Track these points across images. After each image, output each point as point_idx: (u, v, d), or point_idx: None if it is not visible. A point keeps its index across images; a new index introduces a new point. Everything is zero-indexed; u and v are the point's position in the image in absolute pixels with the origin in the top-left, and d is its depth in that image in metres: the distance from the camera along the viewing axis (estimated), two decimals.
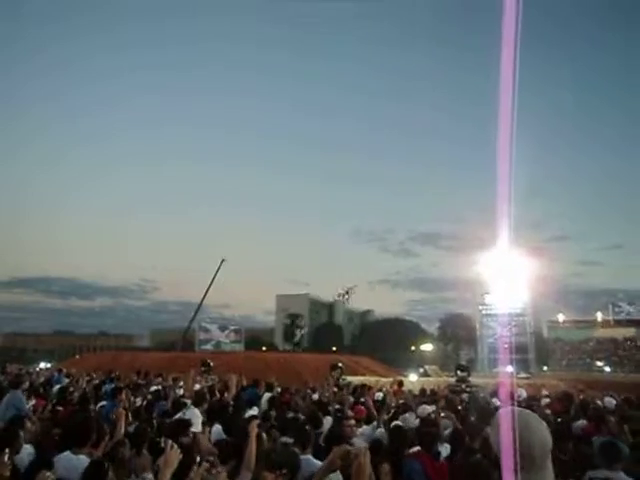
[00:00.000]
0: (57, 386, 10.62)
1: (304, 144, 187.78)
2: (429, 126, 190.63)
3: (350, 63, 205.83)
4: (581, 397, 10.55)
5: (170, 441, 2.82)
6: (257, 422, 3.70)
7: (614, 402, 8.45)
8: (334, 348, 65.56)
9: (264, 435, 4.30)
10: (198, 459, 2.79)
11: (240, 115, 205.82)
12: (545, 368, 61.90)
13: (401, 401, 8.57)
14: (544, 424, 1.89)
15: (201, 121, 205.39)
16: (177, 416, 5.32)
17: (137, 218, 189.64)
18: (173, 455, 2.66)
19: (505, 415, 1.88)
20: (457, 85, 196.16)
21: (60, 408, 6.88)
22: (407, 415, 5.94)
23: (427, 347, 68.13)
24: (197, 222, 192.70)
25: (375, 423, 5.62)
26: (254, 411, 6.48)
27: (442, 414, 6.36)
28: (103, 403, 7.50)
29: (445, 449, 4.87)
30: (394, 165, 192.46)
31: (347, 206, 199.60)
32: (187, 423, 4.49)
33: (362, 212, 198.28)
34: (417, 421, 5.59)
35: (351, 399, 7.66)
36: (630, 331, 67.48)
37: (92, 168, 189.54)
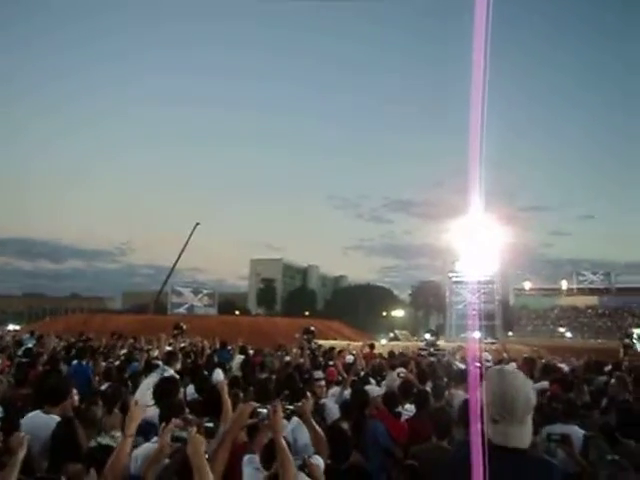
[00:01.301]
0: (24, 347, 10.52)
1: (276, 113, 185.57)
2: (401, 93, 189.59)
3: (319, 33, 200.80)
4: (543, 361, 11.03)
5: (135, 398, 2.86)
6: (226, 382, 3.77)
7: (568, 367, 8.89)
8: (307, 312, 66.37)
9: (240, 394, 4.39)
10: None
11: (212, 86, 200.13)
12: (510, 334, 64.13)
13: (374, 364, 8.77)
14: (530, 383, 2.01)
15: (174, 92, 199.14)
16: (149, 376, 5.34)
17: (108, 180, 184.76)
18: (137, 410, 2.72)
19: (494, 372, 2.00)
20: (428, 52, 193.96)
21: (25, 369, 6.80)
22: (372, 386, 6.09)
23: (398, 313, 69.68)
24: (170, 186, 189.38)
25: (343, 384, 5.74)
26: (219, 374, 6.54)
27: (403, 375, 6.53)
28: (73, 363, 7.50)
29: (410, 409, 5.04)
30: (367, 132, 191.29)
31: (321, 173, 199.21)
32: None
33: (336, 179, 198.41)
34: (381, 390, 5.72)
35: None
36: (592, 299, 70.16)
37: (61, 130, 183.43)
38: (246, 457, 2.84)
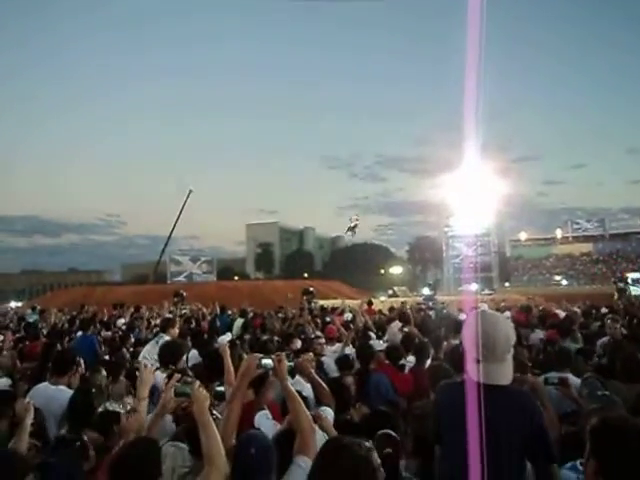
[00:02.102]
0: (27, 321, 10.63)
1: (265, 76, 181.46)
2: (391, 47, 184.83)
3: None
4: (540, 308, 11.24)
5: (144, 362, 2.89)
6: (227, 344, 3.81)
7: (563, 313, 9.04)
8: (305, 274, 66.87)
9: (244, 355, 4.46)
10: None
11: (197, 53, 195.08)
12: (507, 284, 65.05)
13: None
14: (510, 323, 2.09)
15: (159, 62, 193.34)
16: (151, 342, 5.42)
17: (98, 152, 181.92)
18: (148, 373, 2.77)
19: (474, 314, 2.07)
20: (422, 5, 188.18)
21: (27, 342, 6.89)
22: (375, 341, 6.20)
23: (396, 270, 70.28)
24: (159, 155, 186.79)
25: (345, 341, 5.84)
26: (227, 336, 6.65)
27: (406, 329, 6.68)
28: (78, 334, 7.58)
29: (412, 360, 5.14)
30: (357, 90, 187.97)
31: (312, 133, 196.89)
32: None
33: (327, 139, 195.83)
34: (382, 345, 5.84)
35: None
36: (587, 246, 70.88)
37: (46, 107, 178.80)
38: (258, 414, 2.88)
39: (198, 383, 2.28)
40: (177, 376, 2.65)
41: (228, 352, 3.52)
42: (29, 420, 2.39)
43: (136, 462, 1.98)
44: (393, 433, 2.74)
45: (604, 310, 10.05)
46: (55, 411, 3.35)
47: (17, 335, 7.91)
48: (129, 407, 2.87)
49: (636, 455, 1.38)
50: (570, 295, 25.02)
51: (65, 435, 2.72)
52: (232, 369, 3.35)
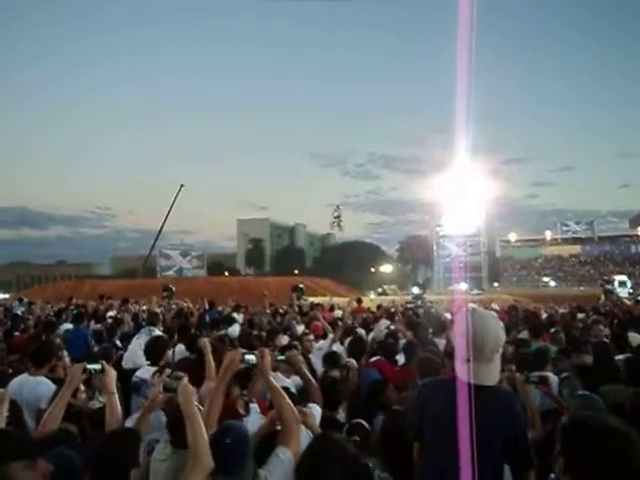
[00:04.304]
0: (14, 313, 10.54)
1: (256, 73, 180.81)
2: (385, 46, 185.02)
3: None
4: (527, 308, 11.36)
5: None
6: (207, 339, 3.84)
7: (545, 314, 9.14)
8: (296, 271, 66.85)
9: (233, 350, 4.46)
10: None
11: (189, 51, 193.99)
12: (496, 285, 65.49)
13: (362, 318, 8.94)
14: (500, 323, 2.08)
15: (152, 59, 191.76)
16: (138, 337, 5.42)
17: (89, 144, 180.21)
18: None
19: (465, 313, 2.05)
20: (415, 4, 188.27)
21: (16, 334, 6.85)
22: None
23: (386, 268, 70.46)
24: (150, 150, 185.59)
25: (331, 337, 5.85)
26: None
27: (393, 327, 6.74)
28: (68, 327, 7.53)
29: (400, 358, 5.18)
30: (350, 88, 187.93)
31: (305, 130, 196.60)
32: None
33: (320, 136, 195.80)
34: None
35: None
36: (575, 248, 71.57)
37: (44, 98, 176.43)
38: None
39: (186, 378, 2.29)
40: (167, 371, 2.66)
41: (209, 347, 3.54)
42: (3, 410, 2.38)
43: (113, 454, 2.00)
44: (365, 424, 2.78)
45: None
46: (31, 402, 3.36)
47: (4, 327, 7.85)
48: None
49: (604, 453, 1.39)
50: (557, 296, 25.26)
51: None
52: (213, 364, 3.38)
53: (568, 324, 7.42)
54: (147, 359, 4.10)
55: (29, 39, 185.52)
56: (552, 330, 6.25)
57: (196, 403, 2.14)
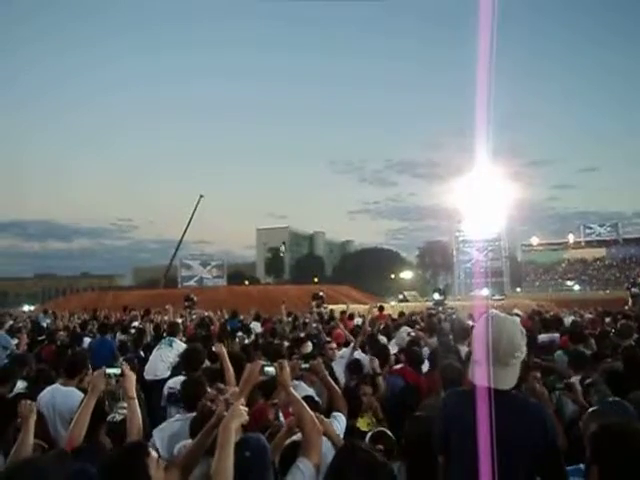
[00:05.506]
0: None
1: (275, 81, 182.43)
2: (403, 52, 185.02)
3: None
4: (551, 313, 11.17)
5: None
6: (222, 345, 3.88)
7: (572, 318, 8.95)
8: (316, 279, 66.80)
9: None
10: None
11: (209, 56, 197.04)
12: (518, 289, 64.48)
13: (382, 326, 8.89)
14: (519, 328, 1.97)
15: (170, 64, 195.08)
16: (157, 347, 5.50)
17: (110, 156, 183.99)
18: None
19: (485, 318, 2.00)
20: (434, 10, 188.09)
21: (44, 344, 6.97)
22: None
23: (406, 274, 70.00)
24: (170, 160, 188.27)
25: (352, 345, 5.82)
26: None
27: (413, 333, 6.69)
28: (90, 340, 7.65)
29: (425, 366, 5.14)
30: (366, 94, 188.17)
31: (322, 138, 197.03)
32: None
33: (337, 143, 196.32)
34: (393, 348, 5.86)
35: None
36: (600, 251, 70.05)
37: (58, 109, 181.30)
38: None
39: (243, 400, 2.25)
40: (209, 394, 2.65)
41: (225, 352, 3.58)
42: (32, 420, 2.42)
43: (124, 469, 1.92)
44: (388, 432, 2.75)
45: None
46: (63, 412, 3.41)
47: (33, 339, 8.01)
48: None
49: (636, 459, 1.36)
50: (582, 301, 24.74)
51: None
52: (232, 373, 3.41)
53: (602, 330, 7.27)
54: (184, 369, 4.18)
55: (52, 34, 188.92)
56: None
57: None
